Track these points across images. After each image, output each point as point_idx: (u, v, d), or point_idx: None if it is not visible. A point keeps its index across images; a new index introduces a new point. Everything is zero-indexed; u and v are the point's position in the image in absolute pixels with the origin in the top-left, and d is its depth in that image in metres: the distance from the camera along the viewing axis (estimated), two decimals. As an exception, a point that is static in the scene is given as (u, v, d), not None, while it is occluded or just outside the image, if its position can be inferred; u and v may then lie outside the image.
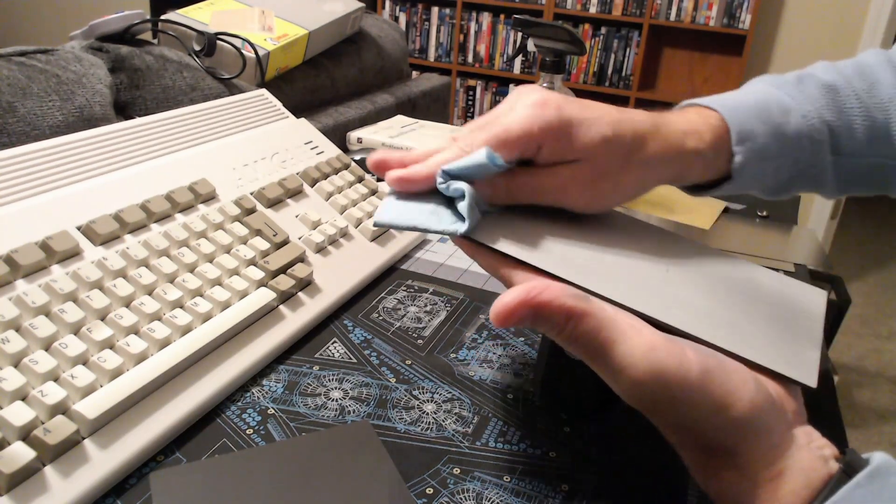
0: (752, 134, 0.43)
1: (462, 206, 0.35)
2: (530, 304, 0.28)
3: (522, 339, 0.54)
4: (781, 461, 0.28)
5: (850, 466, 0.28)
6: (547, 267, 0.33)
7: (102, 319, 0.42)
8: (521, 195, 0.38)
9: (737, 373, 0.29)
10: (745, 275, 0.42)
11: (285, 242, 0.56)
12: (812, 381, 0.33)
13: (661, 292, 0.35)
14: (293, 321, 0.51)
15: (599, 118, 0.39)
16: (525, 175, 0.38)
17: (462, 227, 0.34)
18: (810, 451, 0.29)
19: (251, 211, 0.57)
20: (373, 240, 0.64)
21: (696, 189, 0.47)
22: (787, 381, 0.32)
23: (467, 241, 0.35)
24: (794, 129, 0.44)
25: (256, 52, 0.98)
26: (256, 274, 0.51)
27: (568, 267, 0.34)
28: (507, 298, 0.29)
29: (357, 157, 0.85)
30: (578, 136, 0.38)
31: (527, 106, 0.37)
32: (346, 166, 0.71)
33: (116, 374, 0.40)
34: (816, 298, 0.43)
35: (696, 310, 0.35)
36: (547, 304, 0.28)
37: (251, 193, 0.59)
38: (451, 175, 0.36)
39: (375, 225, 0.36)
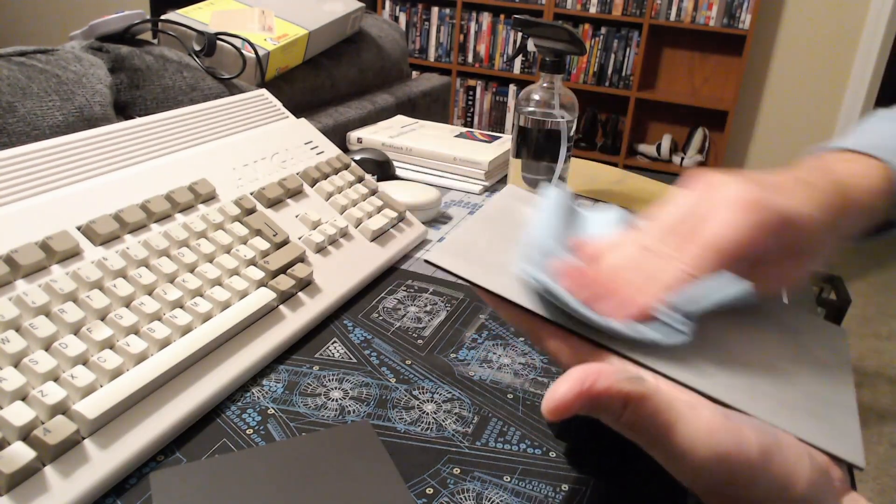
0: None
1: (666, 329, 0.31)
2: (587, 395, 0.26)
3: (522, 339, 0.54)
4: None
5: None
6: (587, 333, 0.31)
7: (102, 319, 0.42)
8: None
9: (791, 449, 0.29)
10: (766, 320, 0.41)
11: (285, 242, 0.56)
12: (860, 460, 0.32)
13: (704, 361, 0.33)
14: (293, 321, 0.51)
15: (806, 205, 0.35)
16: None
17: (682, 339, 0.31)
18: None
19: (251, 211, 0.57)
20: (373, 240, 0.64)
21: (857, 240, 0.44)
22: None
23: (491, 295, 0.32)
24: None
25: (256, 52, 0.98)
26: (256, 274, 0.51)
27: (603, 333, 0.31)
28: (561, 390, 0.26)
29: (357, 157, 0.85)
30: (798, 233, 0.34)
31: (738, 211, 0.33)
32: (346, 166, 0.71)
33: (116, 374, 0.40)
34: (838, 343, 0.41)
35: (740, 380, 0.33)
36: (605, 393, 0.26)
37: (251, 193, 0.59)
38: (690, 310, 0.32)
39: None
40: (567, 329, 0.31)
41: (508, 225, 0.39)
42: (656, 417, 0.27)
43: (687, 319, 0.32)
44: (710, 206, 0.33)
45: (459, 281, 0.62)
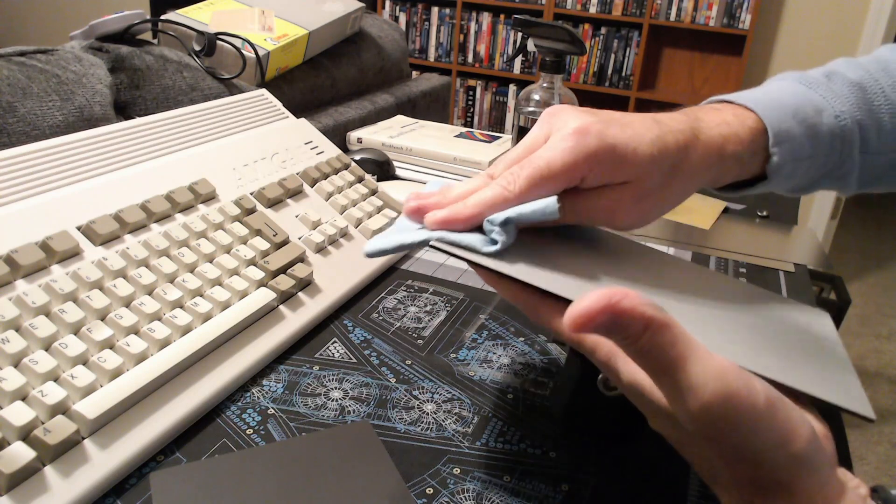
0: (788, 135, 0.42)
1: (501, 234, 0.34)
2: (612, 309, 0.27)
3: (522, 339, 0.54)
4: (830, 499, 0.28)
5: (887, 502, 0.28)
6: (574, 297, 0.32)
7: (102, 319, 0.42)
8: (563, 220, 0.38)
9: (795, 409, 0.29)
10: (755, 299, 0.42)
11: (285, 242, 0.56)
12: (869, 411, 0.33)
13: (704, 323, 0.34)
14: (293, 321, 0.51)
15: (641, 136, 0.37)
16: (568, 201, 0.37)
17: (493, 248, 0.34)
18: (850, 489, 0.29)
19: (251, 211, 0.57)
20: (373, 240, 0.64)
21: (726, 189, 0.46)
22: (843, 414, 0.32)
23: (487, 272, 0.34)
24: (827, 129, 0.43)
25: (256, 52, 0.98)
26: (256, 274, 0.51)
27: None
28: (587, 303, 0.27)
29: (357, 157, 0.85)
30: (624, 160, 0.36)
31: (565, 137, 0.36)
32: (346, 166, 0.71)
33: (116, 374, 0.40)
34: (823, 320, 0.42)
35: (744, 343, 0.34)
36: (629, 311, 0.27)
37: (251, 193, 0.59)
38: (507, 222, 0.34)
39: (369, 255, 0.35)
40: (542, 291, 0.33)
41: None
42: (673, 347, 0.27)
43: (502, 232, 0.34)
44: (545, 135, 0.37)
45: (459, 281, 0.62)
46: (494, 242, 0.34)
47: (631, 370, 0.30)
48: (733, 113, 0.42)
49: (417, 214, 0.36)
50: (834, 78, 0.46)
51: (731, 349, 0.33)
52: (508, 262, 0.33)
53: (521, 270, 0.33)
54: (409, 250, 0.36)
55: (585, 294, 0.27)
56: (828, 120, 0.44)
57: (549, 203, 0.34)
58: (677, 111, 0.41)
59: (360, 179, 0.71)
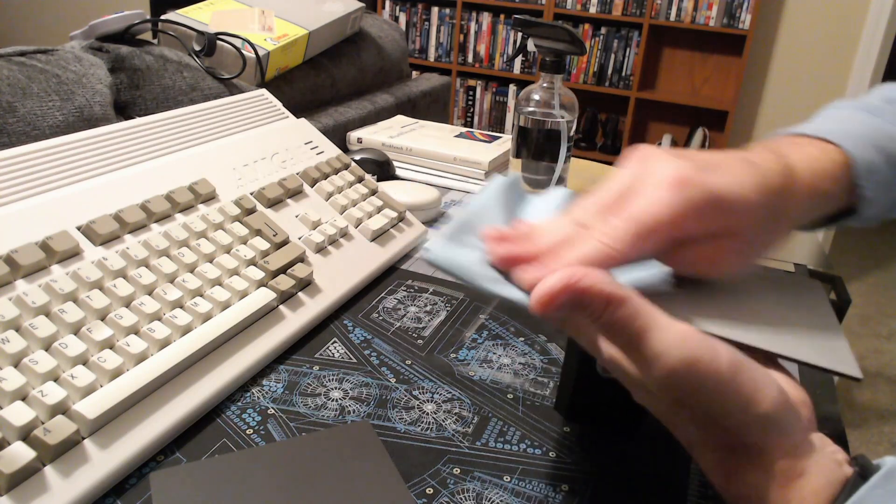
0: (874, 166, 0.40)
1: None
2: (572, 289, 0.28)
3: (522, 339, 0.54)
4: (803, 461, 0.29)
5: (864, 469, 0.29)
6: None
7: (102, 319, 0.42)
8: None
9: (759, 370, 0.30)
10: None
11: (285, 242, 0.56)
12: (856, 371, 0.34)
13: (681, 294, 0.35)
14: (293, 321, 0.51)
15: (742, 183, 0.34)
16: (665, 255, 0.34)
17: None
18: (826, 454, 0.30)
19: (251, 211, 0.57)
20: (373, 240, 0.64)
21: (813, 225, 0.45)
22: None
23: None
24: None
25: (256, 52, 0.98)
26: (256, 274, 0.51)
27: None
28: (549, 283, 0.28)
29: (357, 157, 0.85)
30: (731, 211, 0.33)
31: (666, 187, 0.33)
32: (346, 166, 0.71)
33: (116, 374, 0.40)
34: (813, 284, 0.43)
35: (719, 311, 0.35)
36: (588, 290, 0.28)
37: (251, 193, 0.59)
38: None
39: (432, 263, 0.34)
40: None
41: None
42: (634, 320, 0.28)
43: None
44: (641, 182, 0.34)
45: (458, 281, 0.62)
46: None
47: (608, 347, 0.31)
48: (818, 148, 0.40)
49: (507, 265, 0.33)
50: (893, 104, 0.45)
51: (713, 326, 0.33)
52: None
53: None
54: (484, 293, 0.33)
55: (552, 274, 0.28)
56: None
57: (662, 275, 0.32)
58: (759, 147, 0.39)
59: (360, 179, 0.71)
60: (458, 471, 0.40)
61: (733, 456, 0.30)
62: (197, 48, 0.94)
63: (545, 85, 0.77)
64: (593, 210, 0.34)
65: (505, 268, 0.33)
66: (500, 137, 0.97)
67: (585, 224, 0.34)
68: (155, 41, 0.95)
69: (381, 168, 0.85)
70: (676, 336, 0.28)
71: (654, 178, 0.33)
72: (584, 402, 0.44)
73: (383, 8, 3.30)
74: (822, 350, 0.35)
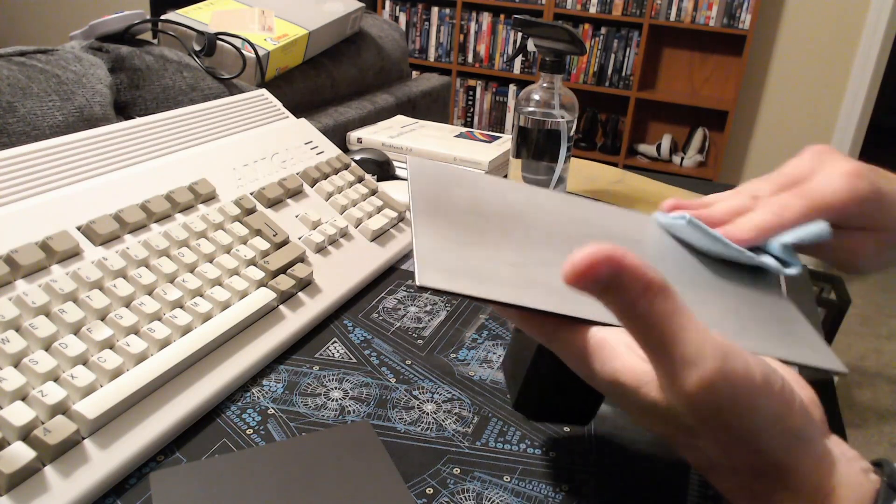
0: None
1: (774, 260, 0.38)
2: (614, 262, 0.24)
3: (522, 339, 0.54)
4: (830, 478, 0.27)
5: (892, 477, 0.27)
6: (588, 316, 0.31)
7: (102, 319, 0.42)
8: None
9: (787, 381, 0.28)
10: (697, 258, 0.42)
11: (285, 242, 0.56)
12: (840, 366, 0.34)
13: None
14: (293, 321, 0.51)
15: None
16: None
17: (795, 270, 0.39)
18: (849, 464, 0.28)
19: (251, 211, 0.57)
20: (373, 240, 0.64)
21: None
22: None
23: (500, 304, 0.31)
24: None
25: (256, 52, 0.98)
26: (256, 274, 0.51)
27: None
28: (589, 251, 0.24)
29: (357, 157, 0.85)
30: (890, 210, 0.40)
31: (841, 176, 0.39)
32: (346, 166, 0.71)
33: (116, 374, 0.40)
34: (770, 279, 0.43)
35: (711, 312, 0.35)
36: (630, 268, 0.25)
37: (251, 193, 0.59)
38: (781, 246, 0.38)
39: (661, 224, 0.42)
40: (577, 319, 0.31)
41: (460, 213, 0.37)
42: (672, 316, 0.25)
43: (793, 255, 0.39)
44: (817, 170, 0.40)
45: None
46: (788, 265, 0.38)
47: (609, 368, 0.29)
48: None
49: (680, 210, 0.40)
50: None
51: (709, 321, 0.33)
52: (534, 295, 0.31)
53: (537, 300, 0.31)
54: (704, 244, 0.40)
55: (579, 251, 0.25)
56: None
57: (822, 227, 0.38)
58: None
59: (360, 179, 0.71)
60: (458, 471, 0.40)
61: (762, 479, 0.28)
62: (197, 48, 0.94)
63: (545, 85, 0.77)
64: (768, 188, 0.40)
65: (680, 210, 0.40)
66: (500, 137, 0.97)
67: (760, 198, 0.40)
68: (155, 41, 0.95)
69: (381, 168, 0.85)
70: (714, 343, 0.25)
71: (830, 166, 0.40)
72: (548, 399, 0.40)
73: (383, 8, 3.30)
74: (805, 348, 0.35)
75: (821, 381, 0.51)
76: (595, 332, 0.30)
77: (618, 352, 0.29)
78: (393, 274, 0.63)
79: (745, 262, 0.40)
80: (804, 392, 0.29)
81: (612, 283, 0.25)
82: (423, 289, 0.29)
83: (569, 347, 0.30)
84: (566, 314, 0.30)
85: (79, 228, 0.46)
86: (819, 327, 0.58)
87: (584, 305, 0.31)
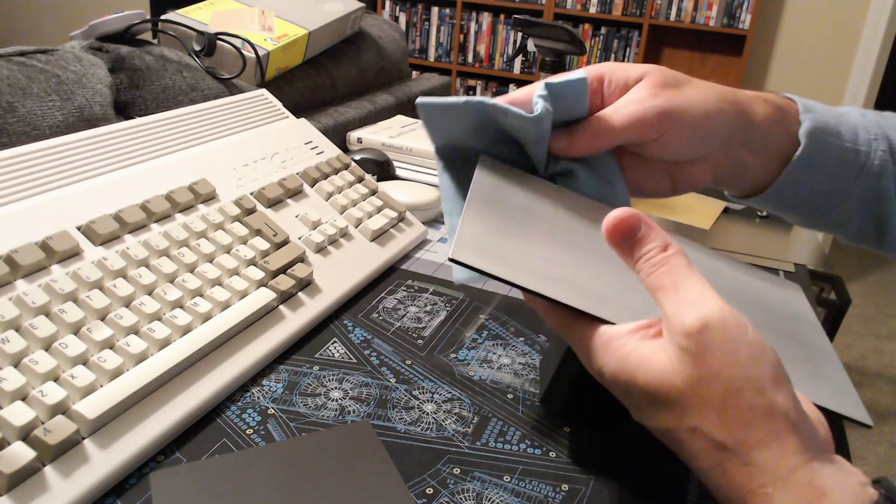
0: (816, 109, 0.46)
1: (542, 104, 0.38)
2: (644, 219, 0.32)
3: (522, 339, 0.54)
4: (823, 476, 0.28)
5: (889, 491, 0.28)
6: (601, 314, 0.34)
7: (102, 319, 0.42)
8: (600, 139, 0.41)
9: (777, 355, 0.30)
10: (738, 280, 0.42)
11: (285, 242, 0.56)
12: (866, 417, 0.34)
13: None
14: (293, 321, 0.51)
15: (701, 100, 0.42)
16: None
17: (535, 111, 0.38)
18: (848, 476, 0.29)
19: (251, 211, 0.57)
20: (373, 240, 0.64)
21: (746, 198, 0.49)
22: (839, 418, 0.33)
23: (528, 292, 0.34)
24: (858, 125, 0.47)
25: (256, 52, 0.98)
26: (256, 274, 0.51)
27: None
28: (624, 210, 0.32)
29: (357, 157, 0.85)
30: (678, 138, 0.41)
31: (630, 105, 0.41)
32: (346, 166, 0.71)
33: (116, 374, 0.40)
34: (799, 297, 0.43)
35: None
36: (656, 227, 0.32)
37: (251, 193, 0.59)
38: (548, 91, 0.38)
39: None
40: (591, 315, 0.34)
41: (512, 210, 0.38)
42: (685, 269, 0.31)
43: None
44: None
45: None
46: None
47: (613, 358, 0.32)
48: (778, 99, 0.46)
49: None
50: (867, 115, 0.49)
51: None
52: (548, 283, 0.34)
53: (559, 292, 0.33)
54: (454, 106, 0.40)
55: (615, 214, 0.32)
56: (856, 120, 0.47)
57: (579, 76, 0.39)
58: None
59: (360, 179, 0.71)
60: (458, 471, 0.40)
61: (747, 464, 0.29)
62: (197, 48, 0.94)
63: (545, 85, 0.77)
64: None
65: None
66: (500, 137, 0.97)
67: None
68: (155, 41, 0.95)
69: (381, 168, 0.85)
70: (715, 296, 0.30)
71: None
72: (564, 395, 0.43)
73: (383, 8, 3.30)
74: (832, 390, 0.34)
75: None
76: (605, 329, 0.33)
77: (622, 347, 0.32)
78: (393, 274, 0.63)
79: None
80: (811, 411, 0.31)
81: (643, 235, 0.31)
82: (455, 262, 0.33)
83: (581, 341, 0.33)
84: (583, 310, 0.33)
85: (79, 228, 0.46)
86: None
87: (601, 305, 0.34)
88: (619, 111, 0.40)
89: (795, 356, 0.36)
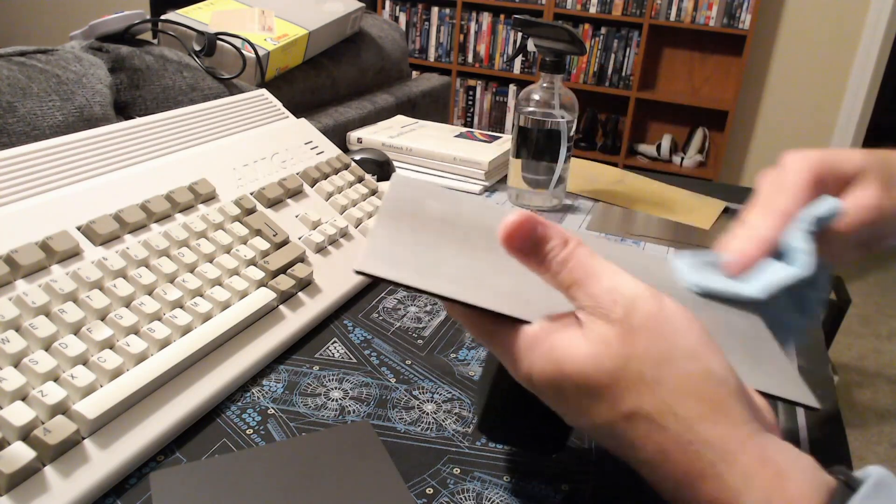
0: None
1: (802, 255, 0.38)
2: (538, 220, 0.31)
3: (522, 339, 0.54)
4: (773, 451, 0.27)
5: (848, 477, 0.27)
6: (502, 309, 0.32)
7: (102, 319, 0.42)
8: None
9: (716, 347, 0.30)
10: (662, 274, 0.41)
11: (285, 242, 0.56)
12: (814, 401, 0.33)
13: None
14: (293, 321, 0.51)
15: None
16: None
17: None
18: (801, 455, 0.28)
19: (251, 211, 0.57)
20: (373, 240, 0.64)
21: None
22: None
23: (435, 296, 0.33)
24: None
25: (256, 52, 0.98)
26: (256, 274, 0.51)
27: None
28: (515, 215, 0.31)
29: (357, 157, 0.85)
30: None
31: (866, 208, 0.40)
32: (346, 166, 0.71)
33: (116, 374, 0.40)
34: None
35: None
36: (551, 225, 0.31)
37: (251, 193, 0.59)
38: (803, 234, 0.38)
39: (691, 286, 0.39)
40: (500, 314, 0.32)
41: (427, 221, 0.37)
42: (592, 257, 0.31)
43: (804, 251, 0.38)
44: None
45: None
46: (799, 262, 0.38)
47: (540, 353, 0.31)
48: None
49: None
50: None
51: None
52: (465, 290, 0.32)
53: (479, 297, 0.32)
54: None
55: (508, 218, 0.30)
56: None
57: (835, 203, 0.39)
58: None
59: (360, 179, 0.71)
60: (458, 471, 0.40)
61: (690, 446, 0.28)
62: (197, 48, 0.94)
63: (545, 85, 0.77)
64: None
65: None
66: (500, 137, 0.97)
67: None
68: (155, 41, 0.95)
69: (381, 168, 0.85)
70: (625, 274, 0.30)
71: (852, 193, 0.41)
72: (512, 421, 0.38)
73: (383, 8, 3.30)
74: (769, 374, 0.34)
75: (819, 381, 0.51)
76: (527, 329, 0.32)
77: (545, 342, 0.31)
78: (393, 274, 0.63)
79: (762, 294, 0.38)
80: (758, 399, 0.31)
81: (538, 238, 0.31)
82: (360, 273, 0.31)
83: (504, 346, 0.32)
84: (504, 312, 0.32)
85: (79, 228, 0.46)
86: (819, 327, 0.58)
87: (524, 308, 0.32)
88: (851, 221, 0.40)
89: (728, 343, 0.34)
